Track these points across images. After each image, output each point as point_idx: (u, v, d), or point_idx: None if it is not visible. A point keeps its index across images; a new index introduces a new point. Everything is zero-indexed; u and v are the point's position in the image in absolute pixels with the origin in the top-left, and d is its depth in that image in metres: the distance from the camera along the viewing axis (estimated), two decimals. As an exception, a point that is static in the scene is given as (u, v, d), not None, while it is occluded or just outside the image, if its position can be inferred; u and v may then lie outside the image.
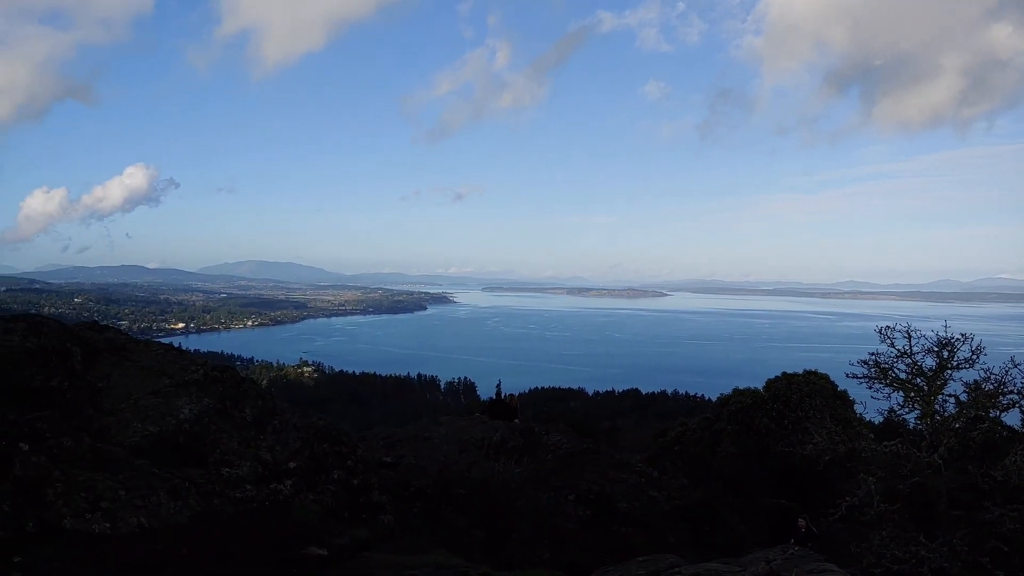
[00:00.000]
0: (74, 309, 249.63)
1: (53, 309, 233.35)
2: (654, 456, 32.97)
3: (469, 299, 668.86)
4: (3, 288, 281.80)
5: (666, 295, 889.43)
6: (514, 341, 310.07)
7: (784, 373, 32.25)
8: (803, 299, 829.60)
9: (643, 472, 27.62)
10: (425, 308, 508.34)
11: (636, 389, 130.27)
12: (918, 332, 16.95)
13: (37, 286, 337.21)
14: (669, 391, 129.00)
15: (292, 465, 12.06)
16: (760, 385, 32.44)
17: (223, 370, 13.33)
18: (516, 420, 29.59)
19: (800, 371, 32.36)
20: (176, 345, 14.61)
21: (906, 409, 17.60)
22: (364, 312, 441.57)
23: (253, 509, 10.60)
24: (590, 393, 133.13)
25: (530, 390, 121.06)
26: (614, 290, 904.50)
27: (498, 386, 33.48)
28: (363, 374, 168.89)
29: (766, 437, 29.18)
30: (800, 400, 29.52)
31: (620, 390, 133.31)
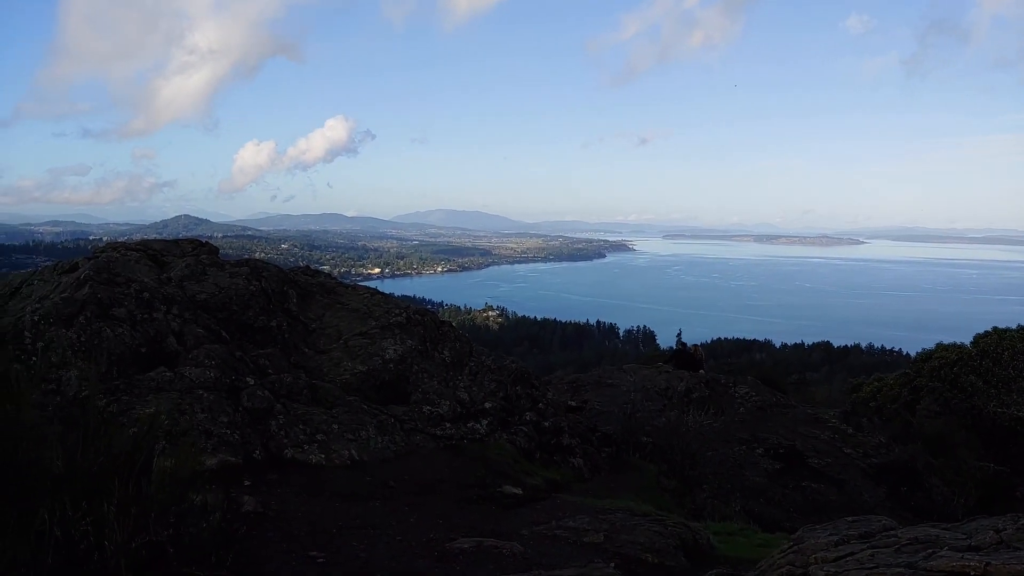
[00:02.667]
0: (281, 254, 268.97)
1: (263, 254, 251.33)
2: (848, 412, 31.52)
3: (648, 247, 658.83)
4: (220, 235, 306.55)
5: (863, 243, 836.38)
6: (696, 290, 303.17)
7: (995, 328, 29.82)
8: (1017, 248, 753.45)
9: (836, 428, 26.46)
10: (604, 256, 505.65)
11: (827, 342, 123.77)
12: None
13: (249, 233, 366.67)
14: (863, 345, 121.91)
15: (487, 405, 12.51)
16: (967, 340, 30.18)
17: (424, 313, 13.99)
18: (701, 371, 29.18)
19: (1014, 326, 29.89)
20: (375, 289, 15.47)
21: None
22: (545, 259, 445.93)
23: (451, 446, 11.11)
24: (777, 345, 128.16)
25: (712, 340, 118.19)
26: (806, 238, 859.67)
27: (679, 335, 33.12)
28: (544, 319, 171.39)
29: (973, 396, 27.22)
30: (1012, 357, 27.30)
31: (809, 343, 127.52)
